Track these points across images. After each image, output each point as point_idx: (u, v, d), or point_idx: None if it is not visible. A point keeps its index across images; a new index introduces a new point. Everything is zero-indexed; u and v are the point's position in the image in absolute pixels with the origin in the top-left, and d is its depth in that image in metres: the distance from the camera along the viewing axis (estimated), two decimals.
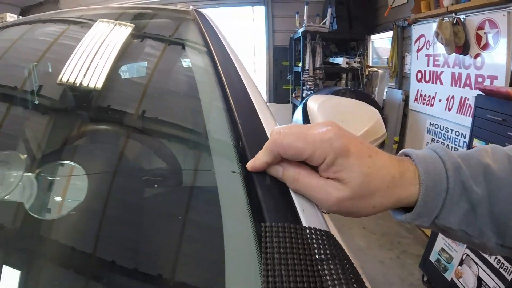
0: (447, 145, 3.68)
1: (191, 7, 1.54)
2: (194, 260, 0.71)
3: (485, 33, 3.16)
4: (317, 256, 0.41)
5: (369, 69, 5.55)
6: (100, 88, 1.22)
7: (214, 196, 0.67)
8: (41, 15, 1.80)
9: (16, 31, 1.76)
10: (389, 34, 4.85)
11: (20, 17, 5.34)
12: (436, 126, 3.90)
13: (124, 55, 1.55)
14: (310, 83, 5.28)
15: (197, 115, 1.07)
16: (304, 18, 5.47)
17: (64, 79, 1.20)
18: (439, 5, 3.65)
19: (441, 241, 2.85)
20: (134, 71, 1.57)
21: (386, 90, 5.09)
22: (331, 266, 0.41)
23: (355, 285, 0.40)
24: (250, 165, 0.51)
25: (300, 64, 5.64)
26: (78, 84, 1.19)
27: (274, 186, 0.50)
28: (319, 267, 0.40)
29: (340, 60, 5.41)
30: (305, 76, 5.36)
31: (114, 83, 1.41)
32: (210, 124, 0.94)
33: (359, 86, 5.45)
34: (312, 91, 5.20)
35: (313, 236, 0.43)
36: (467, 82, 3.43)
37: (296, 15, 5.94)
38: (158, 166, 1.03)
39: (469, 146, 2.94)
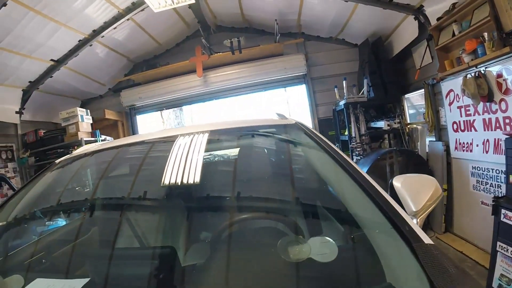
0: (490, 183, 4.04)
1: (294, 120, 2.19)
2: None
3: (504, 80, 3.66)
4: (434, 252, 1.01)
5: (408, 126, 6.06)
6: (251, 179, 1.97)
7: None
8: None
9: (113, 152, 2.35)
10: (421, 91, 5.42)
11: (82, 109, 6.41)
12: (478, 168, 4.28)
13: (260, 152, 2.31)
14: (358, 149, 5.79)
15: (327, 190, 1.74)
16: (344, 91, 6.17)
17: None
18: (461, 62, 4.23)
19: (499, 268, 3.19)
20: (267, 161, 2.32)
21: (427, 143, 5.53)
22: (439, 255, 1.00)
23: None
24: None
25: (346, 133, 6.19)
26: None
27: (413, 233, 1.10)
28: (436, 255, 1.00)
29: (382, 124, 5.94)
30: (353, 143, 5.90)
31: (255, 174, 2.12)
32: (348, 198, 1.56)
33: (402, 144, 5.91)
34: (362, 156, 5.68)
35: (433, 246, 1.04)
36: (497, 125, 3.88)
37: (335, 88, 6.68)
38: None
39: (507, 181, 3.32)
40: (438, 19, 4.47)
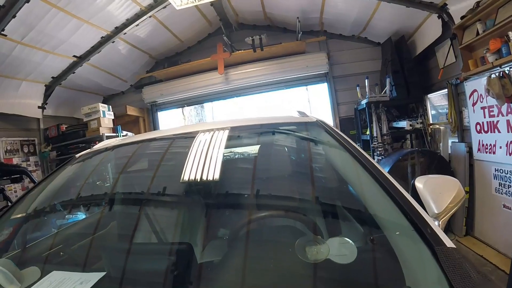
0: None
1: (314, 118, 2.22)
2: None
3: None
4: (456, 255, 1.03)
5: (431, 127, 6.02)
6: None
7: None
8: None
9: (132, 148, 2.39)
10: (444, 91, 5.39)
11: (104, 104, 6.62)
12: (501, 171, 4.24)
13: (282, 149, 2.36)
14: (380, 149, 5.79)
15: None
16: (367, 90, 6.19)
17: None
18: (485, 62, 4.20)
19: None
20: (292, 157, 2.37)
21: (450, 144, 5.50)
22: (458, 255, 1.03)
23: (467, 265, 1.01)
24: None
25: (368, 132, 6.19)
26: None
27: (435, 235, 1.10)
28: (457, 259, 1.02)
29: (404, 124, 5.92)
30: (375, 143, 5.90)
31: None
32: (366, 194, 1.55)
33: (424, 145, 5.89)
34: (383, 156, 5.68)
35: (454, 250, 1.05)
36: None
37: (357, 87, 6.70)
38: None
39: None
40: (462, 17, 4.44)
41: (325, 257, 1.23)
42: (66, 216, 2.11)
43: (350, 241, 1.27)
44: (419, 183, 1.57)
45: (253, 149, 2.33)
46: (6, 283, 1.28)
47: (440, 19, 5.04)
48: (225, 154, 1.91)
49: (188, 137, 2.10)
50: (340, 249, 1.26)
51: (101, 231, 1.95)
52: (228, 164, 2.19)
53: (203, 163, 1.73)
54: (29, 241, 1.82)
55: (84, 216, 2.16)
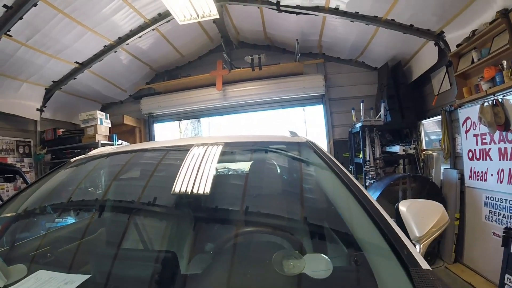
0: (503, 214, 3.96)
1: (305, 139, 2.24)
2: None
3: None
4: (430, 277, 1.02)
5: (424, 152, 6.01)
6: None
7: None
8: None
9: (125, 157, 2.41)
10: (438, 117, 5.41)
11: (102, 112, 6.57)
12: (492, 198, 4.21)
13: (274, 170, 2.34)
14: (372, 172, 5.76)
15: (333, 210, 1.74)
16: (361, 113, 6.17)
17: None
18: (479, 90, 4.22)
19: None
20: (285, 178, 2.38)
21: (442, 171, 5.47)
22: (433, 277, 1.01)
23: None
24: None
25: (361, 156, 6.16)
26: None
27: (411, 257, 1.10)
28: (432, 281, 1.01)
29: (397, 149, 5.90)
30: (367, 166, 5.87)
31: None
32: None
33: (416, 170, 5.85)
34: (375, 180, 5.65)
35: (430, 271, 1.05)
36: None
37: (352, 110, 6.70)
38: None
39: None
40: (458, 45, 4.49)
41: (300, 271, 1.23)
42: (56, 219, 2.11)
43: (326, 257, 1.30)
44: (403, 206, 1.59)
45: (243, 166, 2.40)
46: None
47: (437, 46, 5.09)
48: (217, 169, 1.96)
49: (182, 150, 2.15)
50: (316, 264, 1.28)
51: (90, 236, 1.95)
52: (219, 179, 2.20)
53: (195, 177, 1.75)
54: (18, 240, 1.82)
55: (73, 221, 2.15)
